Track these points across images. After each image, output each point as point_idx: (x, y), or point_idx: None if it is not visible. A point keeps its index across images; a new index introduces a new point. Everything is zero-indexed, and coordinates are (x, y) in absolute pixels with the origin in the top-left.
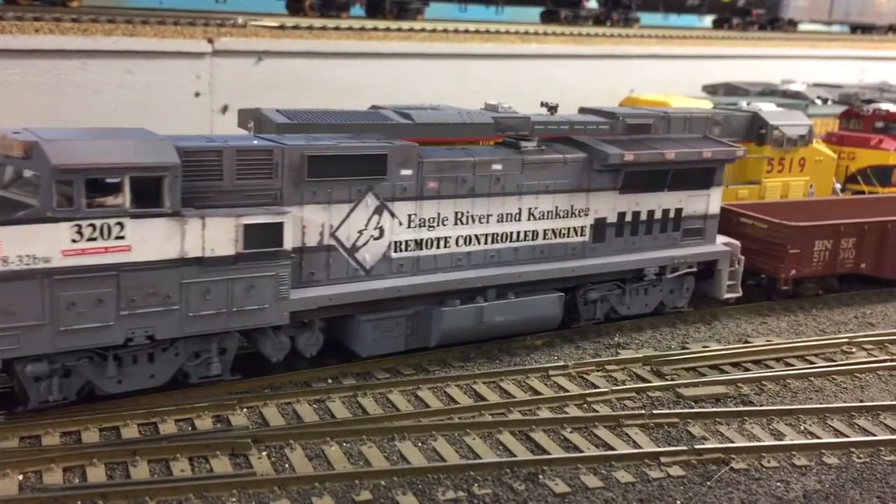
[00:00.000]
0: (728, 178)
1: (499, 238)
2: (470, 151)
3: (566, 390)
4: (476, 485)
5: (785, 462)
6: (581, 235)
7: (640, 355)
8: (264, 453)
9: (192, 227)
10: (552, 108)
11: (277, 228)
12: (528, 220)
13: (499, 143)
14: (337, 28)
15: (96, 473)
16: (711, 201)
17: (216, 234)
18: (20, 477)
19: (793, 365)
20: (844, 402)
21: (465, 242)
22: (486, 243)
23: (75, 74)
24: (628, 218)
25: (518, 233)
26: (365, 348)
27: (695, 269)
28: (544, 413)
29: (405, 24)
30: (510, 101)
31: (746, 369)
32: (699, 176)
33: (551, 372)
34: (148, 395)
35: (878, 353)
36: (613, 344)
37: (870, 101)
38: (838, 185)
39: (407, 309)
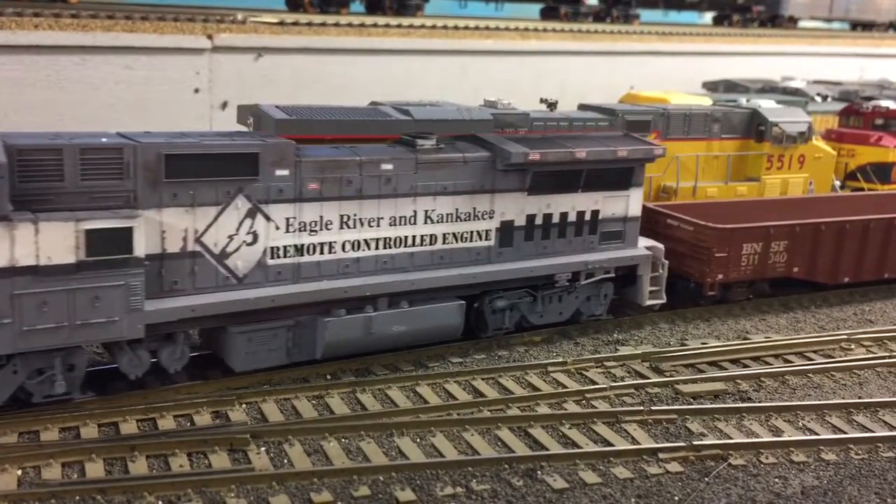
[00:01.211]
0: (728, 174)
1: (392, 243)
2: (357, 150)
3: (565, 387)
4: (474, 480)
5: (783, 458)
6: (486, 239)
7: (639, 352)
8: (263, 449)
9: (22, 232)
10: (551, 105)
11: (126, 234)
12: (425, 223)
13: (395, 141)
14: (336, 24)
15: (95, 469)
16: (631, 203)
17: (52, 241)
18: (19, 472)
19: (791, 361)
20: (843, 398)
21: (352, 248)
22: (377, 248)
23: (74, 70)
24: (539, 221)
25: (414, 237)
26: (239, 362)
27: (612, 275)
28: (543, 409)
29: (405, 21)
30: (509, 97)
31: (745, 366)
32: (616, 176)
33: (550, 368)
34: (145, 392)
35: (876, 350)
36: (612, 340)
37: (869, 99)
38: (838, 182)
39: (286, 319)
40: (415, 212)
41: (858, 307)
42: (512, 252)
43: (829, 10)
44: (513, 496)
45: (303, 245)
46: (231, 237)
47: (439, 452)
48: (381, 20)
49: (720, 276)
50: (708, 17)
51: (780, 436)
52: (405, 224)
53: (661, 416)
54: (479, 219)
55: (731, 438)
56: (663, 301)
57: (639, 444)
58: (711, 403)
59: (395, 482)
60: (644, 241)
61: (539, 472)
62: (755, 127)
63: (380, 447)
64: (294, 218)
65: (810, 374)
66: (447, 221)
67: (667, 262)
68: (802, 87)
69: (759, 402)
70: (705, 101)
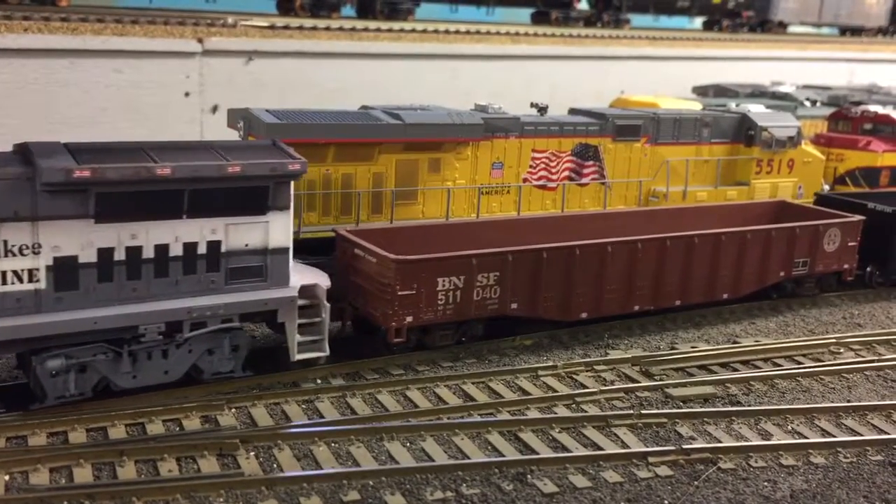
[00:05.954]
0: (718, 178)
1: None
2: None
3: (555, 390)
4: (464, 485)
5: (772, 462)
6: (31, 282)
7: (629, 356)
8: (252, 453)
9: None
10: (542, 109)
11: None
12: None
13: None
14: (327, 28)
15: (83, 474)
16: (273, 231)
17: None
18: (6, 477)
19: (781, 365)
20: (832, 402)
21: None
22: None
23: (64, 74)
24: (120, 256)
25: None
26: None
27: (236, 325)
28: (533, 413)
29: (396, 25)
30: (500, 101)
31: (735, 369)
32: (242, 198)
33: (540, 372)
34: (136, 396)
35: (865, 354)
36: (603, 344)
37: (858, 103)
38: (827, 187)
39: None
40: None
41: (847, 311)
42: (79, 297)
43: (819, 16)
44: (503, 500)
45: None
46: None
47: (429, 457)
48: (373, 24)
49: (409, 320)
50: (698, 21)
51: (769, 439)
52: None
53: (650, 419)
54: (13, 255)
55: (720, 442)
56: (326, 354)
57: (628, 447)
58: (701, 407)
59: (385, 487)
60: (311, 278)
61: (529, 476)
62: (745, 131)
63: (369, 451)
64: None
65: (799, 378)
66: None
67: (328, 304)
68: (792, 91)
69: (749, 405)
70: (695, 106)
